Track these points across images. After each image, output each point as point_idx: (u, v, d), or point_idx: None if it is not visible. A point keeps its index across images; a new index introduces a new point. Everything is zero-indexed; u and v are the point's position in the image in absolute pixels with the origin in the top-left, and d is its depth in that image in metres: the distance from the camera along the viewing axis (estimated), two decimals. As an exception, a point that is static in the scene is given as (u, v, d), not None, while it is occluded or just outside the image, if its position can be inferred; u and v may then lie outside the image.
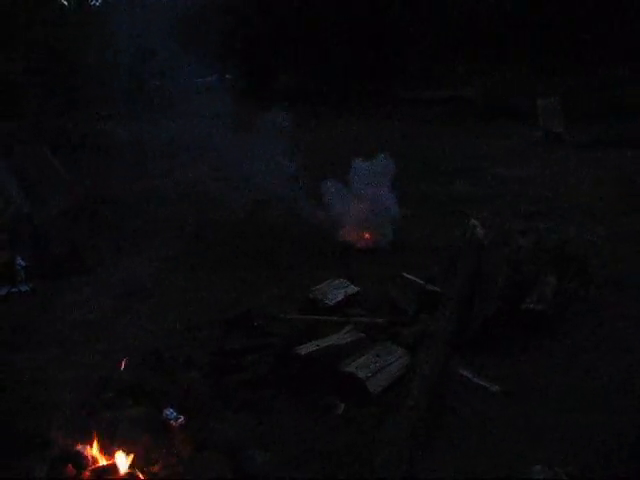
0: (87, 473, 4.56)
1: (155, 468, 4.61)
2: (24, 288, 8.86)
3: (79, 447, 4.68)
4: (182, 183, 13.80)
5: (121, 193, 13.30)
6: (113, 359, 6.57)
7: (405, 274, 8.03)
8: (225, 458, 4.78)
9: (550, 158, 15.34)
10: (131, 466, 4.57)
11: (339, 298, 7.68)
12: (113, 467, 4.58)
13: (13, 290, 8.81)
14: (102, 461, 4.65)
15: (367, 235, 10.24)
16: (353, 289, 7.95)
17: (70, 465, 4.57)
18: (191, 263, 9.63)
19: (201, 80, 26.25)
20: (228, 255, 9.84)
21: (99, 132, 19.13)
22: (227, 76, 25.49)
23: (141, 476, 4.54)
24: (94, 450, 4.68)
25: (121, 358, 5.90)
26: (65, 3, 39.86)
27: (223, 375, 6.22)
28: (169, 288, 8.74)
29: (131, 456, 4.59)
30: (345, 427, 5.45)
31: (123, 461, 4.58)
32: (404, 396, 5.46)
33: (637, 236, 9.73)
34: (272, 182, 10.76)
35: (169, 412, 5.01)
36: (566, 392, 5.80)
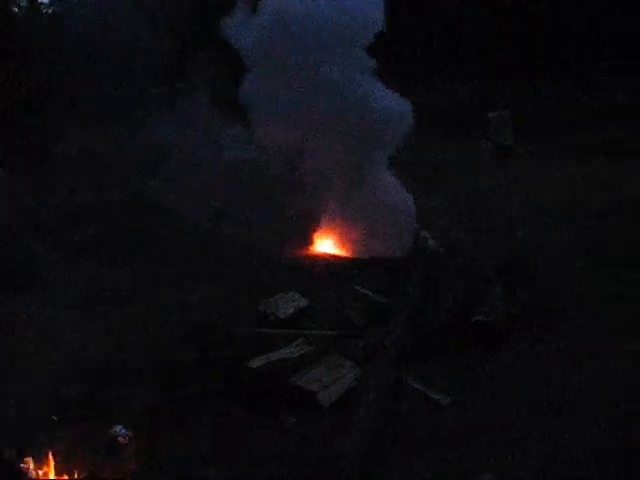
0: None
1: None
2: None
3: (24, 463, 4.63)
4: (138, 194, 13.63)
5: (72, 204, 13.12)
6: (63, 373, 6.54)
7: (356, 287, 8.07)
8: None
9: (500, 170, 15.52)
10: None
11: (290, 311, 7.67)
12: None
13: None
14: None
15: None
16: (304, 302, 7.93)
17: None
18: (142, 276, 9.53)
19: (156, 91, 26.12)
20: (181, 268, 9.77)
21: (51, 142, 18.87)
22: (178, 85, 25.29)
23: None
24: (39, 466, 4.63)
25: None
26: (16, 10, 39.35)
27: (174, 389, 6.18)
28: (120, 301, 8.65)
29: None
30: (296, 440, 5.46)
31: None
32: (355, 408, 5.50)
33: (586, 245, 9.88)
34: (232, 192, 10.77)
35: (118, 428, 4.97)
36: (518, 402, 5.88)
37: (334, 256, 10.07)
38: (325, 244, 10.37)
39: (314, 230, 10.46)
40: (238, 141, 14.05)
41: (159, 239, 11.05)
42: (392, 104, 9.89)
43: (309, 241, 10.47)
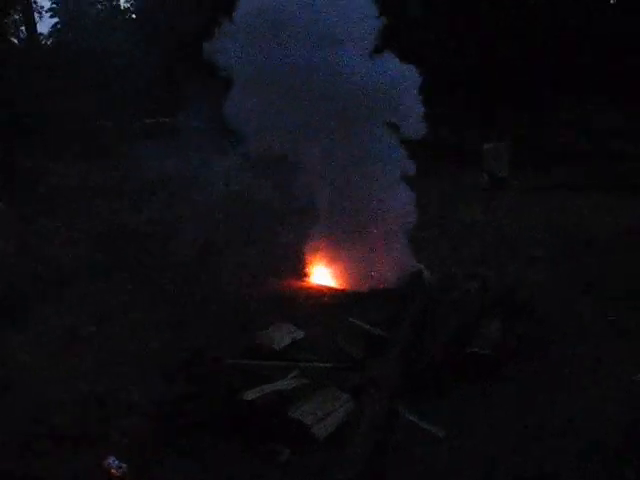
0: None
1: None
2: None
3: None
4: (131, 224, 13.68)
5: (68, 235, 13.14)
6: (54, 404, 6.49)
7: (351, 319, 8.06)
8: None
9: (495, 202, 15.62)
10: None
11: (285, 342, 7.65)
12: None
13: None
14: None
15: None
16: (299, 334, 7.92)
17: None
18: (133, 306, 9.49)
19: (152, 121, 26.34)
20: (175, 297, 9.75)
21: (49, 172, 19.03)
22: (179, 117, 25.50)
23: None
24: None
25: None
26: (15, 41, 39.68)
27: (167, 420, 6.15)
28: (112, 331, 8.61)
29: None
30: (291, 473, 5.42)
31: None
32: (350, 442, 5.47)
33: (580, 278, 9.90)
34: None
35: (111, 460, 4.94)
36: (513, 435, 5.87)
37: (329, 287, 10.06)
38: (320, 275, 10.36)
39: (309, 261, 10.47)
40: (231, 169, 14.19)
41: (150, 268, 11.03)
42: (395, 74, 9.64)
43: (304, 272, 10.47)
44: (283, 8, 9.57)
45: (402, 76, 9.63)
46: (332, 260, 10.13)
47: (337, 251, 9.99)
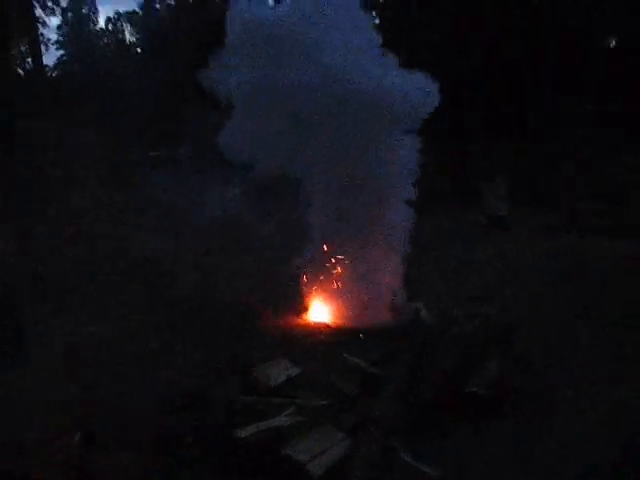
0: None
1: None
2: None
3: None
4: (131, 253, 13.76)
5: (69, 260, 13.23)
6: (49, 436, 6.46)
7: (347, 355, 8.05)
8: None
9: (493, 242, 15.65)
10: None
11: (281, 379, 7.62)
12: None
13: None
14: None
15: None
16: (296, 370, 7.89)
17: None
18: (130, 338, 9.48)
19: (155, 153, 26.53)
20: (169, 333, 9.71)
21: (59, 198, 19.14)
22: (182, 150, 25.70)
23: None
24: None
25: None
26: (21, 72, 40.10)
27: (161, 456, 6.11)
28: (107, 365, 8.58)
29: None
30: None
31: None
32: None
33: (578, 303, 9.97)
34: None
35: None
36: (507, 475, 5.83)
37: (327, 324, 10.06)
38: (317, 312, 10.35)
39: (306, 297, 10.48)
40: (229, 198, 14.29)
41: (146, 298, 11.05)
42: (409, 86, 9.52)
43: (300, 308, 10.47)
44: (277, 24, 9.57)
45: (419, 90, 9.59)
46: (329, 297, 10.14)
47: (334, 287, 10.01)
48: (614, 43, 28.85)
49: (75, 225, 16.39)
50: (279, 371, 7.76)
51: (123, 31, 62.30)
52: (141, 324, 9.95)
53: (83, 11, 63.85)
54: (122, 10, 61.61)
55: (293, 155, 9.70)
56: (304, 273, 10.38)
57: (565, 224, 17.43)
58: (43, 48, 40.61)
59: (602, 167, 22.12)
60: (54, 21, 48.91)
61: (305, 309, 10.43)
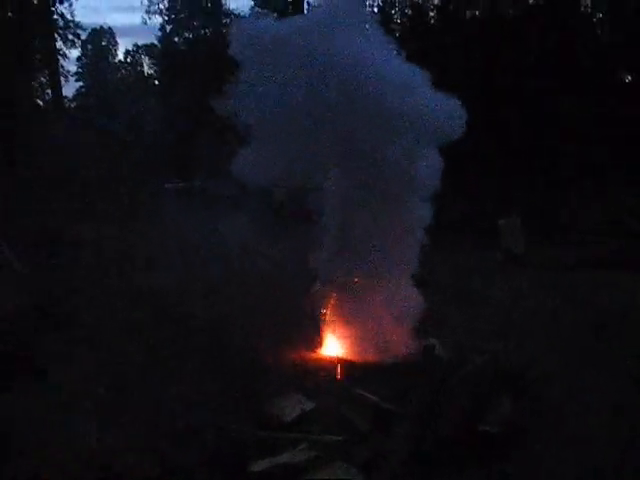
0: None
1: None
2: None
3: None
4: (143, 286, 13.78)
5: (80, 293, 13.28)
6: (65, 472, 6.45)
7: (360, 391, 8.02)
8: None
9: (509, 278, 15.62)
10: None
11: (295, 414, 7.60)
12: None
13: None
14: None
15: None
16: (310, 405, 7.87)
17: None
18: (142, 372, 9.48)
19: (171, 185, 26.78)
20: (183, 366, 9.72)
21: (68, 231, 19.32)
22: (196, 182, 25.97)
23: None
24: None
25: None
26: (40, 103, 40.69)
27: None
28: (121, 397, 8.58)
29: None
30: None
31: None
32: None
33: (592, 359, 9.84)
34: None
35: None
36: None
37: (341, 359, 10.03)
38: (332, 346, 10.34)
39: (319, 331, 10.46)
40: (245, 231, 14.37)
41: (160, 334, 11.05)
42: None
43: (314, 342, 10.46)
44: (287, 37, 9.46)
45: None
46: (344, 331, 10.13)
47: (349, 321, 9.99)
48: (629, 78, 29.12)
49: (88, 256, 16.54)
50: (293, 405, 7.74)
51: (142, 63, 63.21)
52: (152, 356, 9.96)
53: (103, 43, 64.94)
54: (141, 43, 62.43)
55: (311, 173, 9.73)
56: (318, 306, 10.36)
57: (581, 258, 17.39)
58: (62, 80, 41.27)
59: (617, 199, 22.19)
60: (74, 53, 49.54)
61: (319, 343, 10.41)
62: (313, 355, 10.21)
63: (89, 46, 61.75)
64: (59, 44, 40.83)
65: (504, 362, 9.12)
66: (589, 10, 30.48)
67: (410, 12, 32.35)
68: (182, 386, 8.79)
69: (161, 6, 41.79)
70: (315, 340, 10.42)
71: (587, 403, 8.21)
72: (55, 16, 39.93)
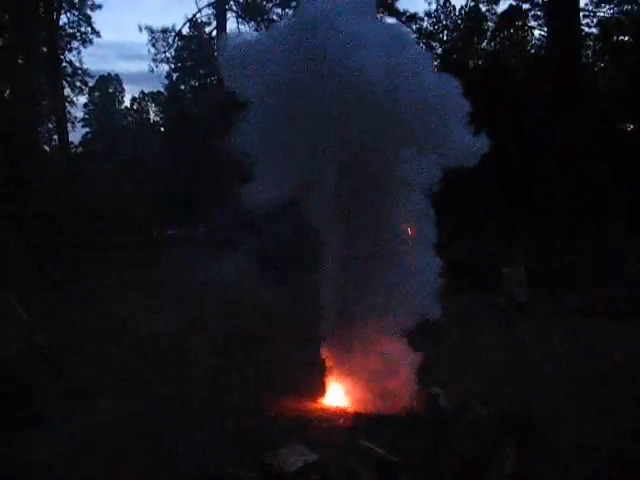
0: None
1: None
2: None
3: None
4: (144, 332, 13.82)
5: (84, 341, 13.32)
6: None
7: (364, 442, 7.96)
8: None
9: (514, 326, 15.58)
10: None
11: (298, 465, 7.52)
12: None
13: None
14: None
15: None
16: (312, 456, 7.79)
17: None
18: (142, 418, 9.45)
19: (174, 232, 26.89)
20: (183, 412, 9.69)
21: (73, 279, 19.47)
22: (200, 229, 26.06)
23: None
24: None
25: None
26: (47, 149, 41.10)
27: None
28: (121, 442, 8.55)
29: None
30: None
31: None
32: None
33: (598, 405, 9.80)
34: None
35: None
36: None
37: (344, 409, 9.96)
38: (334, 396, 10.27)
39: (322, 381, 10.40)
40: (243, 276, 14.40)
41: (161, 382, 11.04)
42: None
43: (317, 392, 10.40)
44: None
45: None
46: (346, 381, 10.07)
47: (351, 371, 9.94)
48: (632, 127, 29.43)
49: (88, 303, 16.61)
50: (295, 457, 7.68)
51: (148, 110, 63.90)
52: (152, 405, 9.94)
53: (110, 90, 65.77)
54: (147, 90, 63.29)
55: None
56: (321, 355, 10.33)
57: (583, 307, 17.34)
58: (69, 126, 41.77)
59: (619, 249, 22.19)
60: (81, 99, 50.18)
61: (322, 392, 10.35)
62: (316, 405, 10.16)
63: (96, 93, 62.54)
64: (67, 91, 41.47)
65: (508, 411, 9.08)
66: (590, 60, 30.84)
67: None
68: (183, 435, 8.75)
69: (168, 54, 42.28)
70: (319, 389, 10.37)
71: (592, 449, 8.16)
72: (63, 63, 40.66)
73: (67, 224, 23.01)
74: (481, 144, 9.50)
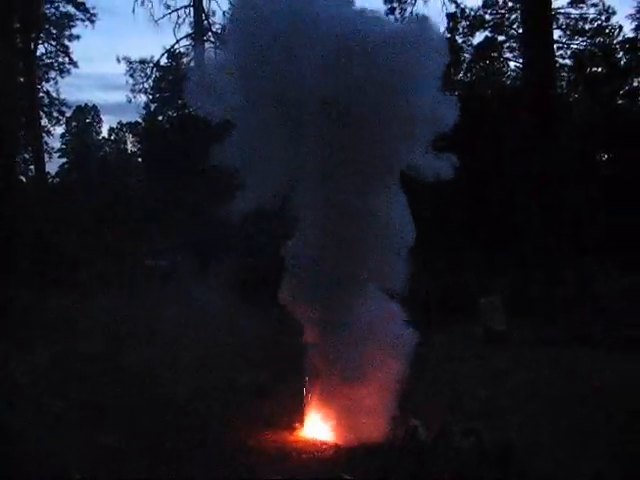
0: None
1: None
2: None
3: None
4: (129, 367, 13.67)
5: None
6: None
7: (344, 475, 7.89)
8: None
9: (491, 356, 15.56)
10: None
11: (276, 498, 7.46)
12: None
13: None
14: None
15: None
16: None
17: None
18: (120, 454, 9.30)
19: (151, 262, 26.75)
20: (161, 444, 9.55)
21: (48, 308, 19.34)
22: (178, 258, 25.98)
23: None
24: None
25: None
26: (23, 179, 40.90)
27: None
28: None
29: None
30: None
31: None
32: None
33: (578, 437, 9.78)
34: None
35: None
36: None
37: (323, 442, 9.86)
38: (314, 428, 10.17)
39: (300, 414, 10.31)
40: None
41: (138, 414, 10.91)
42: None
43: (295, 425, 10.30)
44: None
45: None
46: (325, 413, 9.98)
47: (330, 404, 9.85)
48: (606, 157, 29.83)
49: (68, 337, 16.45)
50: (274, 490, 7.60)
51: (125, 141, 63.92)
52: (131, 437, 9.80)
53: (87, 120, 65.78)
54: (125, 120, 63.26)
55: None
56: (301, 388, 10.24)
57: (563, 336, 17.37)
58: (46, 156, 41.68)
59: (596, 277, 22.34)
60: (58, 130, 50.14)
61: (300, 425, 10.26)
62: (294, 437, 10.06)
63: (73, 123, 62.53)
64: (44, 121, 41.41)
65: (488, 440, 9.04)
66: (564, 91, 31.28)
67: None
68: (162, 468, 8.64)
69: (146, 85, 42.37)
70: (297, 421, 10.28)
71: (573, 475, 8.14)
72: (40, 94, 40.63)
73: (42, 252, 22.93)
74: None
